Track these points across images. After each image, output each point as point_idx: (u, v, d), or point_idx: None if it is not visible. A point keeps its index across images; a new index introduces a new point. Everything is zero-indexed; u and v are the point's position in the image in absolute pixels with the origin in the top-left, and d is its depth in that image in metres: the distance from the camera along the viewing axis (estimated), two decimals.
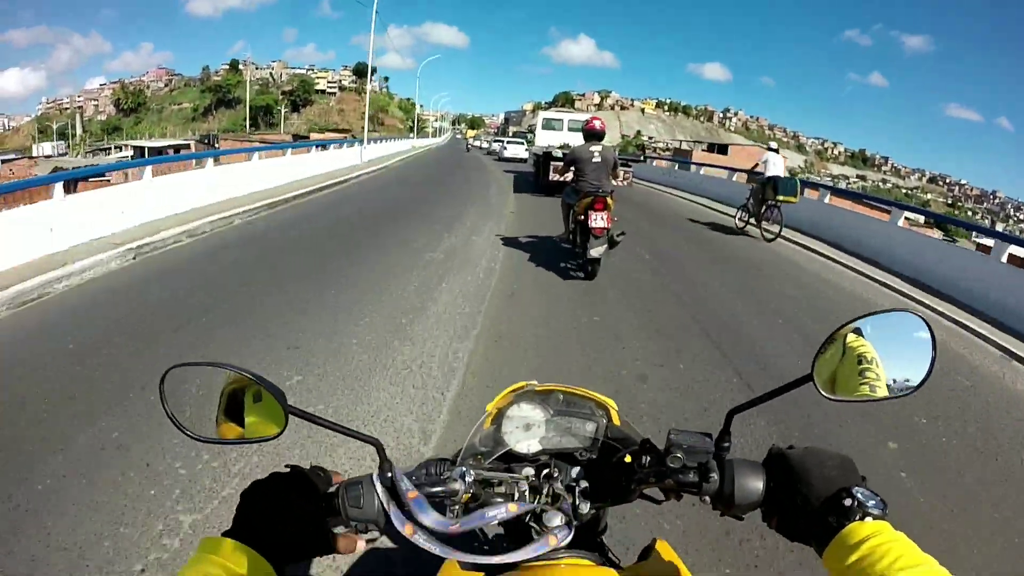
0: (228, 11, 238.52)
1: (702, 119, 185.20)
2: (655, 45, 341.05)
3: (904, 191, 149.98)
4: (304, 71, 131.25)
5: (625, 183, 13.06)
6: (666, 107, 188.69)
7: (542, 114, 20.48)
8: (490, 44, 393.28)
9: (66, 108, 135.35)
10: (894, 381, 0.70)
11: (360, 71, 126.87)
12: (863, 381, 0.70)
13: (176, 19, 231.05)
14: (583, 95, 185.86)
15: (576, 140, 14.11)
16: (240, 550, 0.61)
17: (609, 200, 5.68)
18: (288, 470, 0.71)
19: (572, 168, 6.19)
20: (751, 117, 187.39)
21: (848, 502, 0.61)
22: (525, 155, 30.70)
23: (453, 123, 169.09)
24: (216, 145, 49.80)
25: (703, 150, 53.66)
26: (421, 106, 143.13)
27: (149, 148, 32.24)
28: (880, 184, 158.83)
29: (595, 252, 5.65)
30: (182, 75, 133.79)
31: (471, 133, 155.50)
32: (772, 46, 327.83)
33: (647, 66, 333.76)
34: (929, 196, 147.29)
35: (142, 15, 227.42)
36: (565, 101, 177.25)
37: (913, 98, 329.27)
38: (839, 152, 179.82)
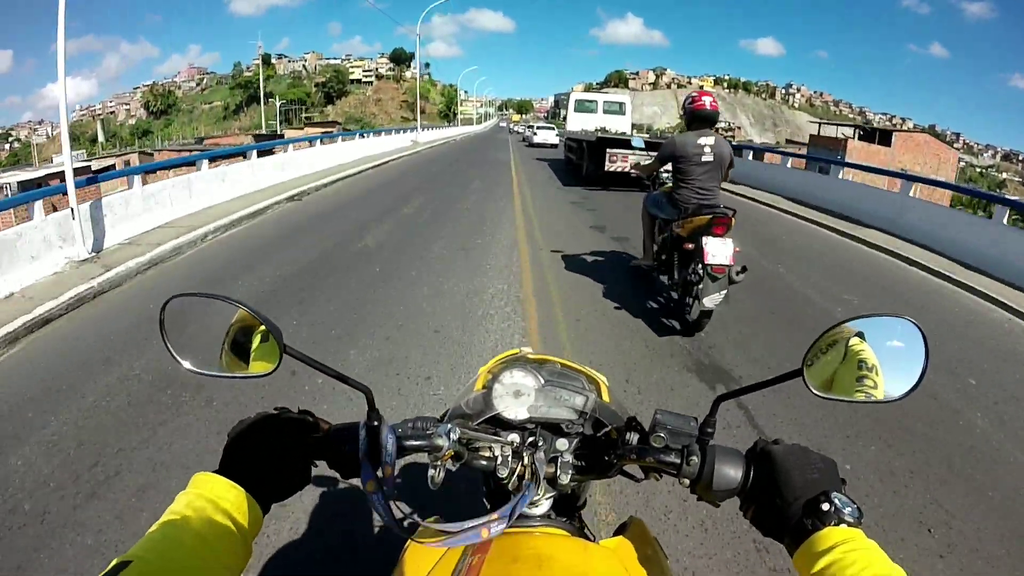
0: (272, 8, 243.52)
1: (763, 96, 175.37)
2: (705, 21, 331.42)
3: (979, 170, 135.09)
4: (339, 61, 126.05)
5: None
6: (725, 84, 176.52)
7: (574, 95, 18.61)
8: (536, 28, 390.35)
9: (99, 114, 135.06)
10: (886, 386, 0.73)
11: (397, 58, 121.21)
12: (860, 386, 0.73)
13: (220, 20, 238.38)
14: (636, 74, 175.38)
15: (612, 123, 15.00)
16: (230, 487, 0.65)
17: (731, 221, 4.08)
18: (276, 411, 0.74)
19: (668, 166, 4.58)
20: (814, 92, 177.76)
21: (826, 506, 0.63)
22: (556, 140, 30.68)
23: (500, 108, 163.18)
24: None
25: (859, 137, 38.61)
26: (465, 92, 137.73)
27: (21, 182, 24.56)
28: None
29: (711, 302, 3.97)
30: (215, 73, 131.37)
31: (516, 118, 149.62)
32: (826, 17, 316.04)
33: (698, 43, 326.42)
34: (1005, 176, 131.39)
35: (186, 19, 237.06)
36: (618, 80, 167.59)
37: (976, 69, 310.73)
38: (908, 129, 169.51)
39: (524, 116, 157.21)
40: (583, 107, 17.55)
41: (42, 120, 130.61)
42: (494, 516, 0.71)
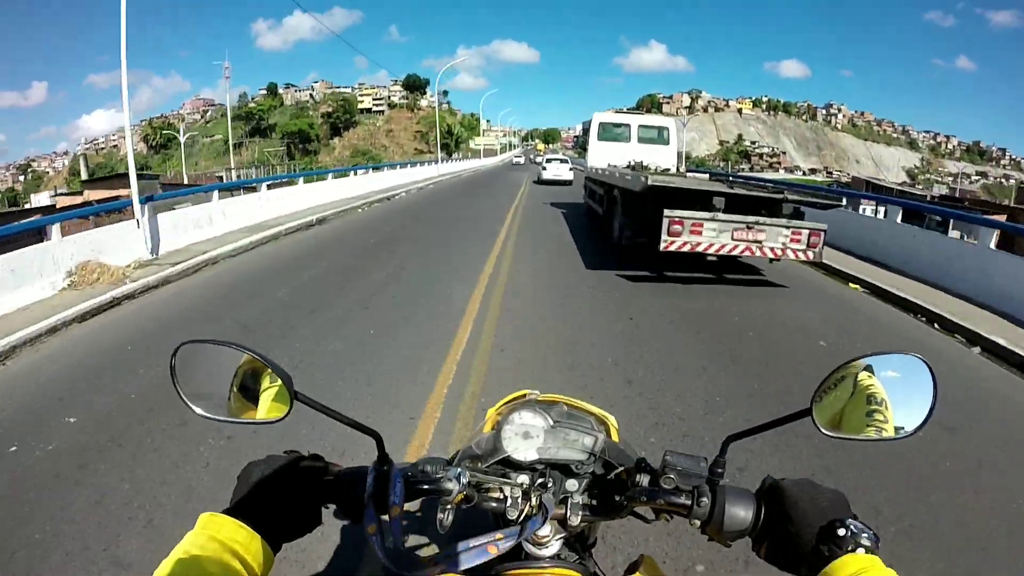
0: (298, 42, 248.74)
1: (804, 117, 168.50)
2: (728, 45, 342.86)
3: None
4: (348, 89, 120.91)
5: (803, 254, 7.21)
6: (763, 106, 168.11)
7: (598, 117, 14.60)
8: (561, 58, 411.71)
9: (102, 148, 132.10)
10: (895, 422, 0.75)
11: (412, 85, 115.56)
12: (870, 422, 0.74)
13: (249, 54, 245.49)
14: (670, 97, 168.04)
15: (651, 156, 13.01)
16: (239, 528, 0.67)
17: None
18: (285, 455, 0.78)
19: None
20: (855, 112, 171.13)
21: (842, 532, 0.65)
22: (569, 176, 28.39)
23: (525, 139, 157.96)
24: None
25: None
26: (488, 121, 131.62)
27: None
28: (1003, 181, 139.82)
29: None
30: (222, 105, 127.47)
31: (542, 147, 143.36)
32: (847, 36, 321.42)
33: (723, 67, 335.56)
34: None
35: (216, 53, 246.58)
36: (651, 104, 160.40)
37: (1008, 80, 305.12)
38: (953, 146, 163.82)
39: (551, 146, 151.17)
40: (610, 134, 14.21)
41: (67, 151, 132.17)
42: (499, 535, 0.74)
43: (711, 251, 7.18)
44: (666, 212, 6.98)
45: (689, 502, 0.75)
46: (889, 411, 0.74)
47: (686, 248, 7.10)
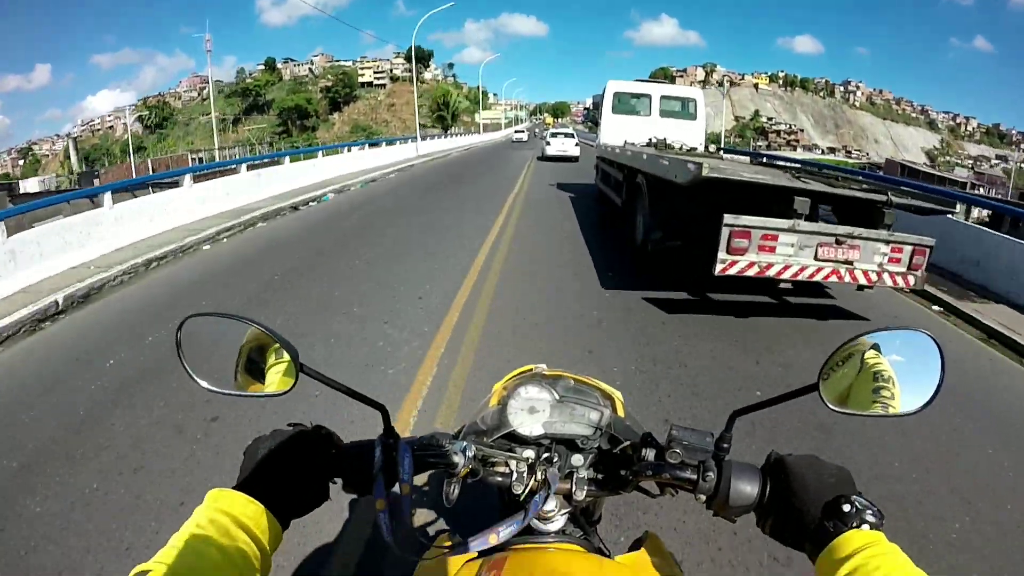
0: (302, 18, 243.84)
1: (822, 94, 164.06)
2: (741, 19, 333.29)
3: None
4: (349, 63, 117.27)
5: (903, 278, 5.18)
6: (780, 81, 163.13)
7: (612, 85, 12.31)
8: (570, 31, 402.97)
9: (98, 129, 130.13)
10: (902, 399, 0.75)
11: (416, 57, 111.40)
12: (876, 399, 0.75)
13: (252, 30, 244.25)
14: (684, 71, 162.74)
15: (675, 132, 10.84)
16: (248, 503, 0.67)
17: None
18: (291, 428, 0.77)
19: None
20: (874, 90, 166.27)
21: (846, 507, 0.66)
22: (575, 152, 26.39)
23: (533, 112, 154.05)
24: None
25: None
26: (495, 95, 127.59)
27: None
28: (1023, 165, 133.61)
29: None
30: (221, 82, 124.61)
31: (551, 121, 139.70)
32: (862, 12, 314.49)
33: (735, 42, 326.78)
34: None
35: (220, 30, 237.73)
36: (664, 78, 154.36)
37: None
38: (973, 128, 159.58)
39: (560, 120, 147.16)
40: (627, 105, 12.25)
41: (69, 133, 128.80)
42: (501, 526, 0.74)
43: (786, 275, 5.02)
44: (727, 219, 4.74)
45: (695, 477, 0.76)
46: (896, 388, 0.75)
47: (751, 271, 4.90)
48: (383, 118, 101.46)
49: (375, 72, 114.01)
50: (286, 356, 0.76)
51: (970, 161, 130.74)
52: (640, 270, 6.64)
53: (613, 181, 10.14)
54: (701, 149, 11.61)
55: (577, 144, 27.34)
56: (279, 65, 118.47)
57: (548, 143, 27.80)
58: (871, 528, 0.64)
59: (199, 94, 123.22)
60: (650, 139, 10.43)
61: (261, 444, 0.75)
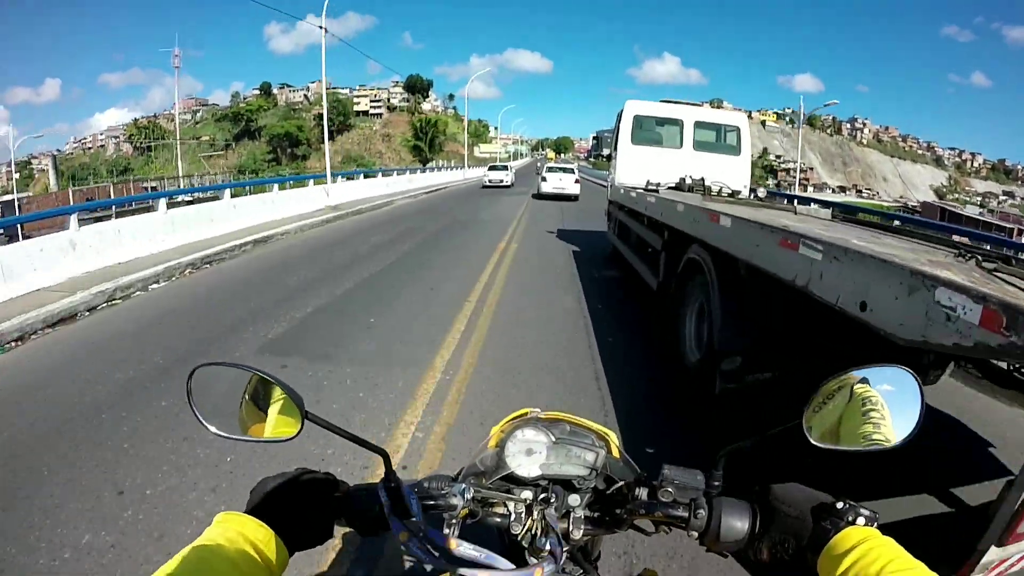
0: (310, 47, 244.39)
1: (828, 131, 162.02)
2: (742, 57, 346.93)
3: None
4: (346, 91, 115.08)
5: None
6: (787, 118, 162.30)
7: (632, 107, 9.75)
8: (574, 68, 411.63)
9: (89, 148, 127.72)
10: (881, 433, 0.77)
11: (413, 86, 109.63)
12: (864, 433, 0.77)
13: (260, 57, 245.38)
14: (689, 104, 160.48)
15: (713, 170, 8.85)
16: (258, 526, 0.71)
17: None
18: (297, 470, 0.83)
19: None
20: (880, 127, 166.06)
21: (840, 505, 0.71)
22: (574, 190, 24.29)
23: (535, 148, 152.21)
24: None
25: None
26: (495, 128, 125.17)
27: None
28: None
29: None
30: (217, 105, 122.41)
31: (552, 156, 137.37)
32: (862, 50, 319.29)
33: (737, 80, 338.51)
34: None
35: (229, 56, 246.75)
36: None
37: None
38: (979, 164, 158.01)
39: (563, 156, 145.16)
40: (650, 134, 9.63)
41: (56, 151, 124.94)
42: (538, 571, 0.76)
43: None
44: None
45: (686, 514, 0.80)
46: (875, 420, 0.77)
47: None
48: (377, 149, 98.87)
49: (371, 101, 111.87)
50: (289, 402, 0.80)
51: (978, 198, 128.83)
52: (700, 421, 4.03)
53: (636, 241, 7.92)
54: (746, 193, 9.41)
55: (577, 181, 24.99)
56: (275, 91, 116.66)
57: (544, 179, 25.09)
58: (865, 523, 0.68)
59: (192, 116, 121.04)
60: (682, 179, 8.07)
61: (269, 482, 0.80)
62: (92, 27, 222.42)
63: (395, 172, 29.40)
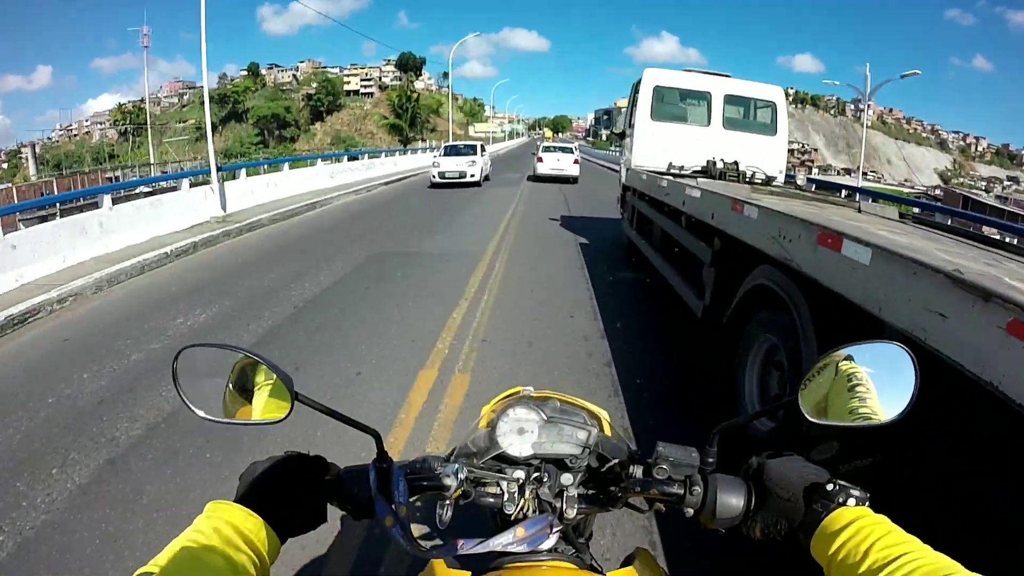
0: (304, 28, 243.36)
1: (832, 112, 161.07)
2: (741, 37, 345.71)
3: None
4: (336, 70, 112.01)
5: None
6: (790, 97, 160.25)
7: (652, 76, 8.45)
8: (571, 46, 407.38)
9: (75, 135, 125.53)
10: (878, 408, 0.78)
11: (405, 64, 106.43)
12: (852, 408, 0.78)
13: (255, 39, 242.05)
14: None
15: (745, 151, 8.03)
16: (248, 515, 0.70)
17: None
18: (286, 454, 0.81)
19: None
20: (884, 109, 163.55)
21: (830, 487, 0.71)
22: (574, 171, 22.23)
23: (532, 127, 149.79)
24: None
25: None
26: (492, 107, 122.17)
27: None
28: None
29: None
30: (203, 86, 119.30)
31: (550, 135, 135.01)
32: (864, 29, 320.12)
33: (736, 61, 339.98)
34: None
35: (222, 37, 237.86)
36: None
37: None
38: (983, 148, 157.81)
39: (560, 135, 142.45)
40: (673, 108, 8.50)
41: (34, 141, 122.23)
42: (520, 532, 0.79)
43: None
44: None
45: (682, 491, 0.80)
46: (872, 397, 0.78)
47: None
48: (368, 129, 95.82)
49: (363, 80, 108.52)
50: (279, 383, 0.78)
51: (983, 183, 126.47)
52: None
53: (664, 240, 6.47)
54: (781, 179, 8.36)
55: (577, 162, 22.93)
56: (263, 71, 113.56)
57: (540, 159, 22.92)
58: (857, 503, 0.69)
59: (179, 99, 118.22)
60: (711, 162, 7.39)
61: (258, 466, 0.78)
62: (83, 12, 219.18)
63: (366, 155, 24.89)
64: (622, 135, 9.64)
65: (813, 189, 10.50)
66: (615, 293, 6.99)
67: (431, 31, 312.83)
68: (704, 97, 8.43)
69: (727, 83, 8.57)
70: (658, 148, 8.17)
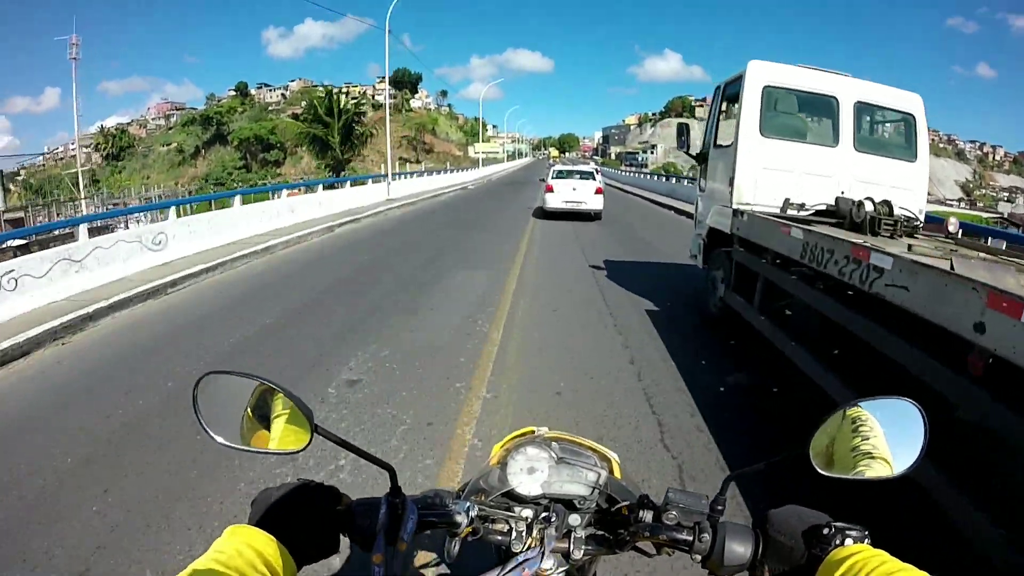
0: (309, 50, 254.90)
1: None
2: (744, 55, 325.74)
3: None
4: (322, 88, 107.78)
5: None
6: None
7: (757, 70, 6.27)
8: (575, 66, 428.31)
9: (62, 158, 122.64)
10: (887, 462, 0.80)
11: (400, 81, 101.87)
12: (858, 460, 0.80)
13: (260, 62, 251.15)
14: (704, 99, 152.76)
15: (882, 178, 6.44)
16: (268, 539, 0.71)
17: None
18: (299, 482, 0.83)
19: None
20: None
21: (827, 531, 0.74)
22: (596, 204, 16.93)
23: (537, 147, 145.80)
24: None
25: None
26: (494, 126, 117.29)
27: None
28: None
29: None
30: (194, 109, 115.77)
31: (556, 154, 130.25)
32: (870, 43, 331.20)
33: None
34: None
35: (227, 60, 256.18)
36: (682, 107, 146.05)
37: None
38: (1000, 157, 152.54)
39: (567, 155, 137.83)
40: (788, 119, 6.60)
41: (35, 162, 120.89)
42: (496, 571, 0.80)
43: None
44: None
45: (691, 538, 0.81)
46: (881, 450, 0.80)
47: None
48: (359, 151, 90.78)
49: (353, 99, 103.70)
50: (297, 412, 0.79)
51: (1004, 193, 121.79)
52: None
53: (804, 321, 4.69)
54: (919, 213, 6.08)
55: (600, 191, 17.32)
56: (252, 91, 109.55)
57: (550, 188, 17.28)
58: (854, 542, 0.72)
59: (166, 121, 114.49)
60: (842, 201, 5.55)
61: (272, 493, 0.79)
62: (93, 36, 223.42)
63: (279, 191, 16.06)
64: (701, 157, 7.48)
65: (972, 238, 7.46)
66: (740, 420, 4.35)
67: (435, 54, 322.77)
68: (828, 105, 6.31)
69: (857, 86, 6.35)
70: (770, 177, 6.13)
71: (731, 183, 6.27)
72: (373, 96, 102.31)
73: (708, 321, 6.86)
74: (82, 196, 43.21)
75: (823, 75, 6.38)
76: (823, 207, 5.68)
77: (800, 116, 6.68)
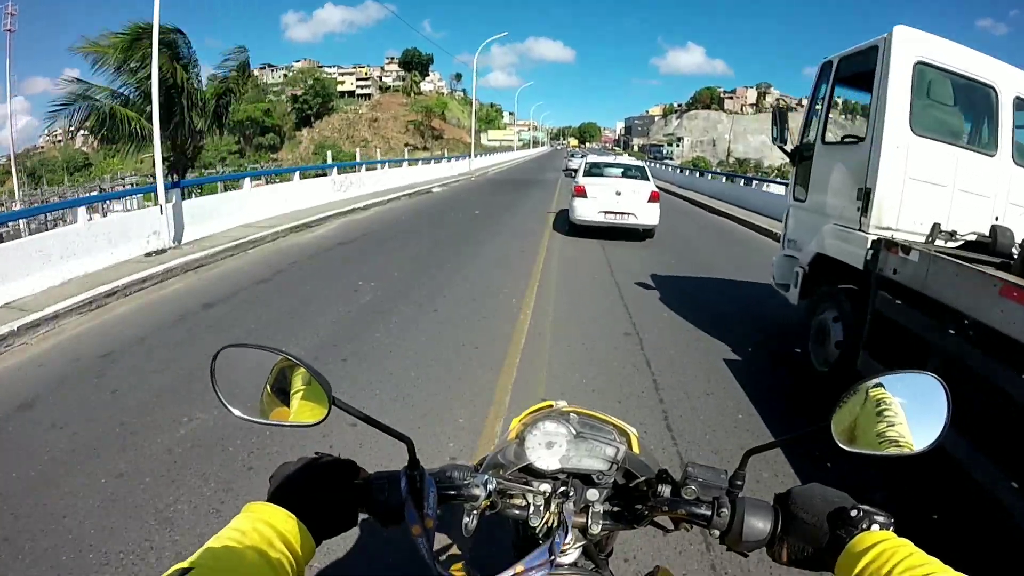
0: (328, 36, 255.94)
1: None
2: (768, 47, 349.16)
3: None
4: (333, 68, 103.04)
5: None
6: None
7: (907, 41, 4.42)
8: (597, 57, 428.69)
9: (60, 141, 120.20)
10: (908, 436, 0.79)
11: (409, 63, 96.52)
12: (881, 436, 0.79)
13: (280, 46, 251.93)
14: (733, 92, 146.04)
15: None
16: (285, 515, 0.72)
17: None
18: (316, 455, 0.84)
19: None
20: None
21: (854, 513, 0.73)
22: (650, 219, 11.56)
23: (556, 136, 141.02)
24: None
25: None
26: (511, 114, 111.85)
27: None
28: None
29: None
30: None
31: (575, 143, 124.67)
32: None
33: (762, 72, 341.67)
34: None
35: (247, 44, 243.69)
36: (710, 99, 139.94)
37: None
38: None
39: (587, 145, 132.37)
40: (945, 114, 4.80)
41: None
42: (519, 568, 0.77)
43: None
44: None
45: (709, 513, 0.81)
46: (902, 426, 0.78)
47: None
48: (361, 136, 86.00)
49: (359, 80, 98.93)
50: (316, 386, 0.79)
51: None
52: None
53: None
54: None
55: (656, 197, 11.73)
56: (256, 70, 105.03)
57: (581, 190, 11.79)
58: (880, 528, 0.71)
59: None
60: (995, 228, 4.43)
61: (289, 467, 0.81)
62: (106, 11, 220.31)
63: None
64: (796, 155, 5.91)
65: None
66: None
67: (455, 40, 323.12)
68: (986, 98, 4.67)
69: (1019, 77, 4.78)
70: (918, 191, 4.52)
71: (862, 196, 4.70)
72: (381, 78, 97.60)
73: (810, 383, 5.02)
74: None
75: (982, 57, 4.79)
76: (973, 237, 4.44)
77: (956, 110, 4.91)
